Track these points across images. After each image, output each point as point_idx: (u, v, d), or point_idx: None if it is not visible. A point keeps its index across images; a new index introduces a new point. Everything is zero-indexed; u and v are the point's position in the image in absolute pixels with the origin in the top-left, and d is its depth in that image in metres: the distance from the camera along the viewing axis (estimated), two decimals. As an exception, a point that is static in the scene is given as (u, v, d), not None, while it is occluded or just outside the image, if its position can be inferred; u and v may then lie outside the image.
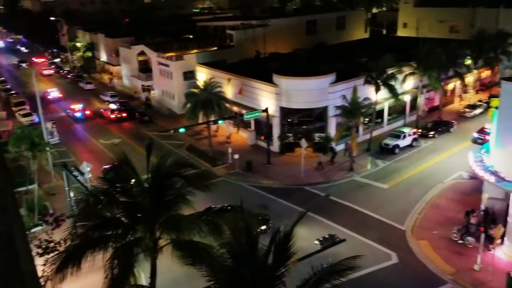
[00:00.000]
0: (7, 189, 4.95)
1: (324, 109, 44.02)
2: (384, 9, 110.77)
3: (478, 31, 57.52)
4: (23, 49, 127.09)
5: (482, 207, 28.58)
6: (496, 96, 49.79)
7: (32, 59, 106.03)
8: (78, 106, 61.57)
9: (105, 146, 49.57)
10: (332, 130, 43.72)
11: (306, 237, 25.50)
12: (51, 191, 35.83)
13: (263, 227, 30.56)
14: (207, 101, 43.94)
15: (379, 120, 48.89)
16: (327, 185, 38.19)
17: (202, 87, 45.79)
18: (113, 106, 61.22)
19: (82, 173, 29.54)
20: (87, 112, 61.53)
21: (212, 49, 65.11)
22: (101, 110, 62.07)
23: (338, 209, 34.09)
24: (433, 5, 79.85)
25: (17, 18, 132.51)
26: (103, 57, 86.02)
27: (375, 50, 52.71)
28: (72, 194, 28.53)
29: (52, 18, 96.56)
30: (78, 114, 60.56)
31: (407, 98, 50.08)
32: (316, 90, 43.39)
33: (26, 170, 35.48)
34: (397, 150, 43.53)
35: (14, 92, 71.48)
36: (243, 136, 50.04)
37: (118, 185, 20.21)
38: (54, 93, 71.26)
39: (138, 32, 76.79)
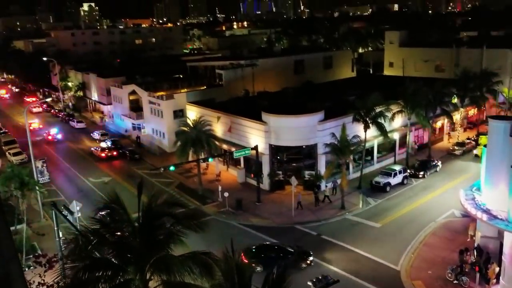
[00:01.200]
0: (4, 231, 4.90)
1: (314, 147, 44.34)
2: (370, 49, 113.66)
3: (463, 70, 59.10)
4: (13, 88, 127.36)
5: (475, 245, 28.47)
6: (484, 134, 50.80)
7: (24, 98, 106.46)
8: (53, 131, 70.19)
9: (95, 185, 49.09)
10: (322, 168, 43.88)
11: (299, 278, 25.12)
12: (40, 231, 35.08)
13: (303, 265, 30.58)
14: (197, 139, 44.12)
15: (369, 158, 49.28)
16: (318, 223, 37.93)
17: (192, 125, 46.06)
18: (103, 145, 61.19)
19: (71, 213, 29.06)
20: (59, 136, 69.65)
21: (202, 88, 65.90)
22: (92, 148, 61.93)
23: (330, 248, 33.74)
24: (418, 45, 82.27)
25: (9, 58, 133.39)
26: (95, 96, 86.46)
27: (362, 88, 53.75)
28: (61, 234, 27.97)
29: (44, 58, 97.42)
30: (49, 137, 69.08)
31: (396, 136, 50.72)
32: (305, 127, 43.82)
33: (14, 210, 34.87)
34: (388, 188, 43.65)
35: (3, 131, 71.19)
36: (233, 174, 49.99)
37: (108, 224, 19.95)
38: (34, 124, 76.50)
39: (129, 72, 77.69)
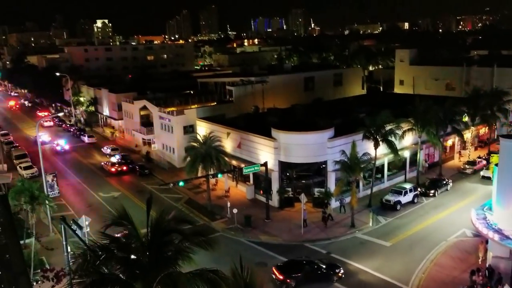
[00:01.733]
0: (14, 246, 4.92)
1: (323, 164, 44.16)
2: (380, 67, 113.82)
3: (474, 89, 58.80)
4: (26, 103, 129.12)
5: (487, 266, 28.01)
6: (495, 152, 50.23)
7: (36, 112, 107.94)
8: (61, 141, 73.64)
9: (105, 200, 49.23)
10: (331, 185, 43.65)
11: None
12: (48, 245, 35.14)
13: (335, 278, 30.85)
14: (207, 155, 44.15)
15: (379, 176, 48.94)
16: (328, 242, 37.57)
17: (201, 141, 46.20)
18: (113, 159, 61.56)
19: (80, 227, 29.15)
20: (67, 147, 72.71)
21: (212, 104, 66.26)
22: (102, 163, 62.34)
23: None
24: (428, 63, 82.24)
25: (23, 73, 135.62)
26: (106, 111, 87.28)
27: (372, 106, 53.66)
28: (69, 248, 28.01)
29: (57, 74, 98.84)
30: (59, 148, 72.28)
31: (406, 154, 50.39)
32: (315, 144, 43.74)
33: (24, 224, 35.00)
34: (398, 207, 43.21)
35: (15, 145, 71.98)
36: (242, 190, 49.86)
37: (116, 239, 19.95)
38: (44, 136, 77.48)
39: (140, 88, 78.44)
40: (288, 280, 30.05)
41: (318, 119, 47.92)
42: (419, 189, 46.45)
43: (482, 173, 51.37)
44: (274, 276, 30.79)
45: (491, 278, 28.15)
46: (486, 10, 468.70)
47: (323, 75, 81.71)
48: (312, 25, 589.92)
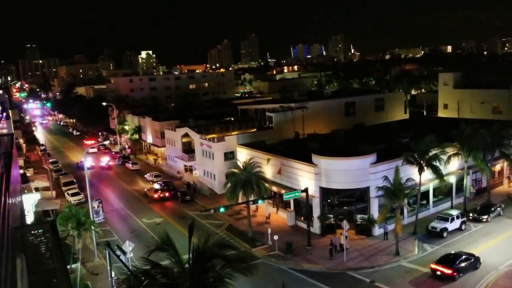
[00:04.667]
0: (61, 270, 5.11)
1: (366, 190, 43.36)
2: (423, 91, 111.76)
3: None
4: (74, 132, 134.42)
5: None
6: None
7: (83, 141, 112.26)
8: (105, 159, 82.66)
9: (148, 225, 50.07)
10: (374, 211, 42.68)
11: None
12: (94, 270, 35.99)
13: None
14: (247, 181, 44.32)
15: (424, 202, 47.49)
16: (372, 270, 36.51)
17: (242, 167, 46.47)
18: (156, 186, 62.76)
19: (124, 253, 29.70)
20: (110, 163, 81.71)
21: (252, 130, 66.79)
22: (145, 189, 63.69)
23: (384, 296, 32.29)
24: (473, 86, 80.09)
25: (72, 103, 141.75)
26: (149, 139, 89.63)
27: (416, 130, 52.52)
28: (114, 273, 28.55)
29: (103, 103, 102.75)
30: (102, 163, 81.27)
31: (452, 179, 48.76)
32: (357, 170, 43.10)
33: (70, 249, 36.06)
34: (445, 234, 41.64)
35: (64, 172, 74.75)
36: (283, 217, 49.50)
37: (159, 265, 20.20)
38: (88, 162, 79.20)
39: (182, 116, 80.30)
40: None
41: (359, 144, 47.36)
42: (471, 214, 44.79)
43: None
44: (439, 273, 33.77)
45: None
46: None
47: (364, 100, 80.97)
48: (352, 50, 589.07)
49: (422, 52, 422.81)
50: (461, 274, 33.84)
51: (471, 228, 43.52)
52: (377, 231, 42.58)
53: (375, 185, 41.78)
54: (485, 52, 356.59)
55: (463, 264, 34.24)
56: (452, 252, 36.40)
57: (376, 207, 42.62)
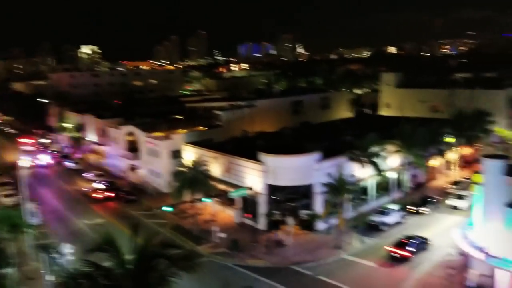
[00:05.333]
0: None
1: (310, 186, 44.17)
2: (368, 90, 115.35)
3: (458, 111, 59.68)
4: (7, 129, 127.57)
5: (471, 284, 28.03)
6: (479, 172, 50.63)
7: (18, 139, 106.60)
8: (42, 157, 79.56)
9: (89, 226, 48.44)
10: (318, 207, 43.56)
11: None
12: (30, 275, 34.34)
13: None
14: (194, 180, 43.93)
15: (365, 197, 49.01)
16: (315, 264, 37.29)
17: (189, 165, 45.98)
18: (99, 185, 60.73)
19: (62, 255, 28.61)
20: (49, 162, 78.71)
21: (200, 129, 66.26)
22: (85, 189, 61.51)
23: (328, 289, 33.06)
24: (414, 86, 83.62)
25: (7, 100, 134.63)
26: (92, 137, 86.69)
27: (359, 128, 54.09)
28: (51, 277, 27.44)
29: (42, 100, 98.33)
30: (41, 162, 78.03)
31: (393, 175, 50.62)
32: (302, 167, 43.80)
33: (4, 253, 34.20)
34: (384, 227, 43.20)
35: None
36: (229, 214, 49.49)
37: (100, 266, 19.63)
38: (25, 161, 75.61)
39: (127, 113, 78.25)
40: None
41: (305, 142, 48.15)
42: (409, 207, 46.88)
43: (447, 202, 49.42)
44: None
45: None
46: (468, 34, 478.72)
47: (311, 98, 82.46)
48: (301, 50, 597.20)
49: (370, 53, 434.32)
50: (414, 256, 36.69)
51: (409, 221, 45.40)
52: (321, 226, 43.47)
53: (320, 181, 42.64)
54: (425, 54, 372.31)
55: (415, 247, 37.38)
56: (405, 235, 39.15)
57: (320, 203, 43.51)
